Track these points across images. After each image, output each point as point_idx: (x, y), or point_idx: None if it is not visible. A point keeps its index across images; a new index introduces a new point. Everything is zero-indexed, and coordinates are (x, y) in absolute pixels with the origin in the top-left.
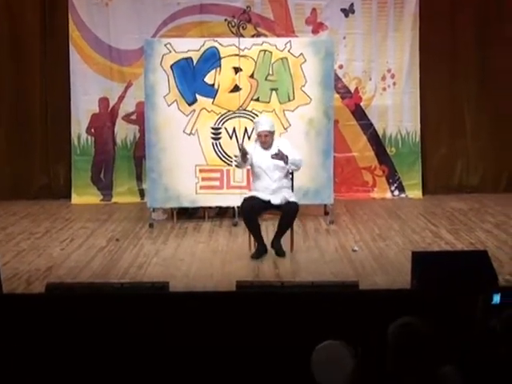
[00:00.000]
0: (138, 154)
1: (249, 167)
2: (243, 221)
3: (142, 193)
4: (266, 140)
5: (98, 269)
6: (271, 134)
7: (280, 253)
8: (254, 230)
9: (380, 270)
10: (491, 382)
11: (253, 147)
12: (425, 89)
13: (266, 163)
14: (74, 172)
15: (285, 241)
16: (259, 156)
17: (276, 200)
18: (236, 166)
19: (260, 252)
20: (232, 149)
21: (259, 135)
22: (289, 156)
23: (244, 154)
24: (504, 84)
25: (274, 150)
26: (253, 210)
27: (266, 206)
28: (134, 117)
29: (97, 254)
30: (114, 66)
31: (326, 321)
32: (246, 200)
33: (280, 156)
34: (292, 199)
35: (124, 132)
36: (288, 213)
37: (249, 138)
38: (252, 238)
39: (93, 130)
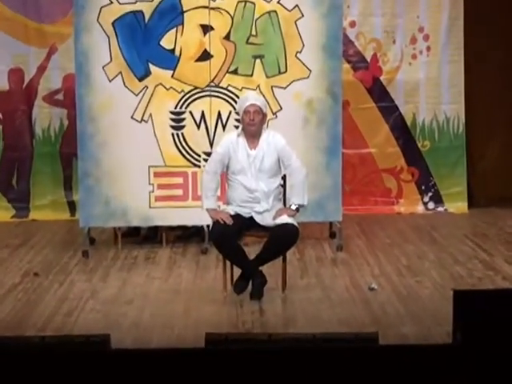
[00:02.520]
0: (67, 151)
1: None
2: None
3: (72, 206)
4: (254, 120)
5: (9, 316)
6: (261, 113)
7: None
8: (235, 256)
9: (409, 317)
10: None
11: (231, 142)
12: (472, 56)
13: (250, 166)
14: None
15: (274, 275)
16: (240, 154)
17: (263, 219)
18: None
19: (246, 281)
20: (200, 142)
21: (246, 112)
22: (292, 194)
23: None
24: None
25: (261, 148)
26: (226, 235)
27: (247, 225)
28: (60, 96)
29: (7, 296)
30: (31, 23)
31: None
32: (216, 222)
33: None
34: (289, 220)
35: (46, 118)
36: (281, 239)
37: (223, 126)
38: (228, 272)
39: (0, 116)
